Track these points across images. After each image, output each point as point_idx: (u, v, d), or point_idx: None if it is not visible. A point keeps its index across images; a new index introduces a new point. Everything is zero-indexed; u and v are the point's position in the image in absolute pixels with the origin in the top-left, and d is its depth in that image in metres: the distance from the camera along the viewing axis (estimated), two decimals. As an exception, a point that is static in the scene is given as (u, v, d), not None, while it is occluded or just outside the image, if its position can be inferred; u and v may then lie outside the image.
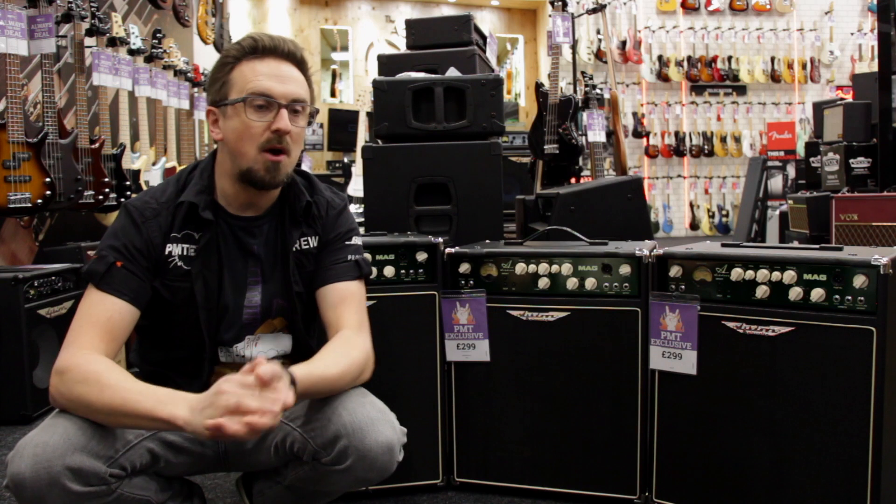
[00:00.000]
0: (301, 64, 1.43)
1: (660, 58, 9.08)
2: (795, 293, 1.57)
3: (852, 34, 9.37)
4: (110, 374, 1.23)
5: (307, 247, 1.52)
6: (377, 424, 1.38)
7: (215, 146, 1.49)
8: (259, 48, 1.39)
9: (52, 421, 1.25)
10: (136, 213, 1.38)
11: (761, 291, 1.61)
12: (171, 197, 1.42)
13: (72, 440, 1.20)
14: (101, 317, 1.31)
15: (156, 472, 1.37)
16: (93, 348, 1.28)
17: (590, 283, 1.82)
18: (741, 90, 9.25)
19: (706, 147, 9.16)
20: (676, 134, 9.16)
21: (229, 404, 1.13)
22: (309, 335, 1.56)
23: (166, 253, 1.39)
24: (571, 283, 1.84)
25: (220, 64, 1.41)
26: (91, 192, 3.33)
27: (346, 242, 1.54)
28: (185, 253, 1.40)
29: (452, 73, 2.45)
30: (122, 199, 3.62)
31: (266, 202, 1.48)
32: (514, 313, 1.88)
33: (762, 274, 1.61)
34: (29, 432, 1.24)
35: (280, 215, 1.50)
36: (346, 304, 1.49)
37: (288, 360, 1.54)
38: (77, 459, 1.19)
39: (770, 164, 6.79)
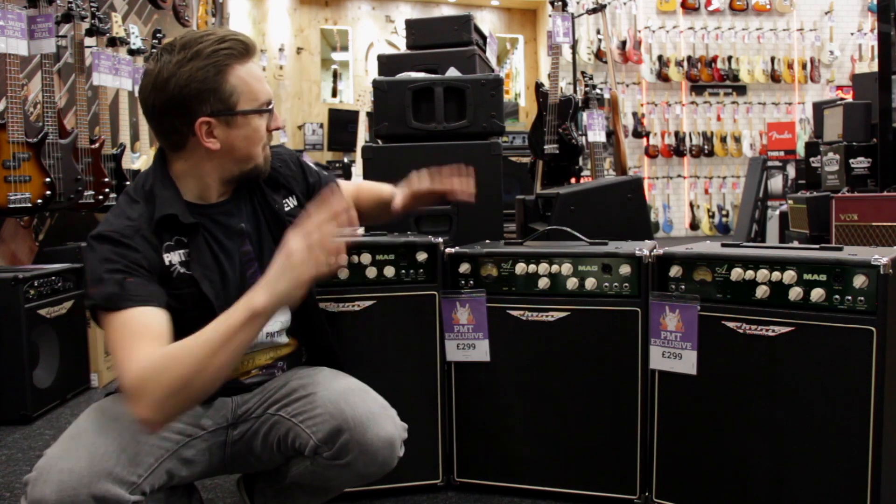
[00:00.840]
0: None
1: (660, 58, 9.08)
2: (795, 293, 1.57)
3: (852, 34, 9.37)
4: (170, 348, 1.19)
5: (289, 208, 1.54)
6: (378, 419, 1.39)
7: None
8: (248, 50, 1.37)
9: (75, 438, 1.22)
10: (116, 235, 1.29)
11: (761, 291, 1.61)
12: (143, 212, 1.35)
13: (96, 466, 1.18)
14: (137, 329, 1.21)
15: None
16: (145, 354, 1.19)
17: (590, 283, 1.82)
18: (741, 90, 9.25)
19: (706, 147, 9.16)
20: (676, 134, 9.16)
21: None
22: (311, 293, 1.56)
23: (167, 263, 1.35)
24: (571, 283, 1.84)
25: (213, 72, 1.32)
26: (91, 192, 3.33)
27: (321, 176, 1.65)
28: (183, 259, 1.38)
29: (452, 73, 2.45)
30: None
31: (234, 182, 1.47)
32: (514, 313, 1.88)
33: (762, 274, 1.61)
34: (49, 450, 1.22)
35: (253, 187, 1.50)
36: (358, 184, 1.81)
37: (291, 334, 1.57)
38: (102, 488, 1.17)
39: (770, 164, 6.79)
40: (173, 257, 1.36)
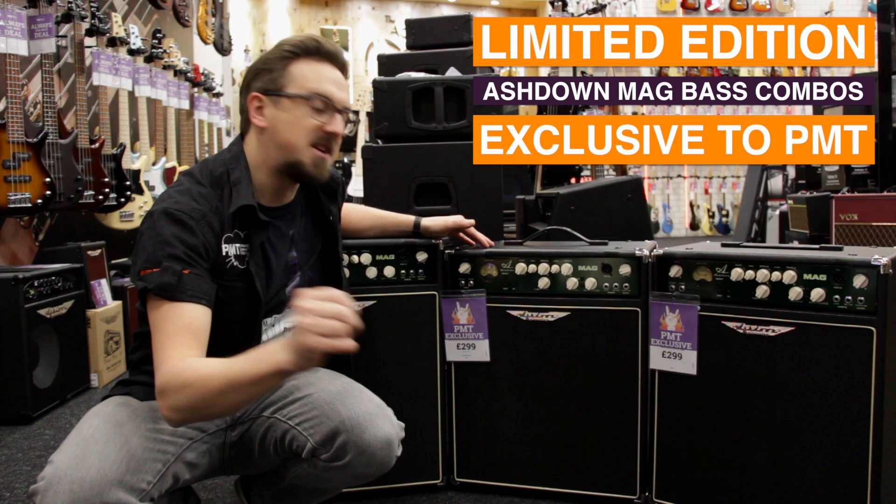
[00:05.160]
0: (347, 74, 1.53)
1: (660, 57, 9.08)
2: (795, 293, 1.57)
3: (852, 34, 9.38)
4: (201, 368, 1.22)
5: (332, 218, 1.62)
6: (375, 419, 1.40)
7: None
8: (322, 52, 1.44)
9: (81, 446, 1.21)
10: (185, 216, 1.32)
11: (761, 291, 1.61)
12: (213, 198, 1.38)
13: (107, 474, 1.18)
14: (182, 325, 1.26)
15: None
16: (181, 357, 1.24)
17: (590, 283, 1.82)
18: (741, 90, 9.25)
19: (706, 147, 9.16)
20: (676, 134, 9.16)
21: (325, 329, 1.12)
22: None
23: (223, 254, 1.38)
24: (571, 283, 1.84)
25: (277, 55, 1.43)
26: (91, 192, 3.33)
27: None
28: (238, 252, 1.41)
29: (452, 73, 2.44)
30: (123, 199, 3.62)
31: (294, 190, 1.54)
32: (514, 313, 1.88)
33: (762, 274, 1.61)
34: (55, 457, 1.20)
35: (311, 197, 1.58)
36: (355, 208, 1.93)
37: None
38: (114, 496, 1.17)
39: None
40: (230, 249, 1.39)
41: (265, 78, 1.42)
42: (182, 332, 1.26)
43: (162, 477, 1.27)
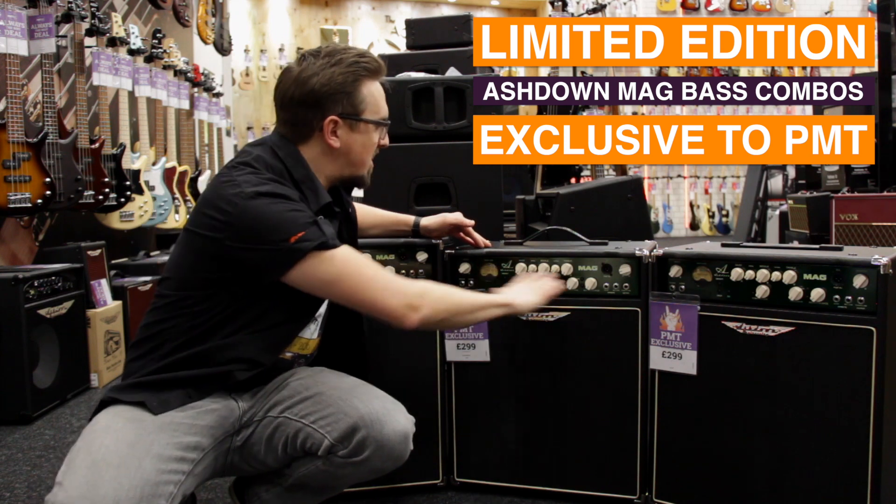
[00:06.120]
0: None
1: (660, 57, 9.08)
2: (795, 293, 1.57)
3: (852, 34, 9.37)
4: (450, 287, 1.53)
5: (351, 210, 1.67)
6: (392, 414, 1.42)
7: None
8: (380, 71, 1.51)
9: (93, 470, 1.20)
10: (291, 196, 1.37)
11: (761, 291, 1.61)
12: (294, 192, 1.41)
13: (122, 503, 1.17)
14: (367, 260, 1.38)
15: None
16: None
17: (590, 283, 1.82)
18: (741, 90, 9.24)
19: (706, 147, 9.16)
20: (676, 134, 9.15)
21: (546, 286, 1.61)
22: None
23: None
24: (571, 283, 1.84)
25: (350, 77, 1.45)
26: (91, 192, 3.33)
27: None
28: None
29: (452, 73, 2.44)
30: (123, 199, 3.62)
31: (335, 183, 1.58)
32: (514, 313, 1.87)
33: (762, 274, 1.61)
34: (66, 480, 1.19)
35: (334, 192, 1.59)
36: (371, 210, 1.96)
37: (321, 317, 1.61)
38: None
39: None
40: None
41: (344, 102, 1.45)
42: (375, 264, 1.39)
43: (173, 499, 1.26)
